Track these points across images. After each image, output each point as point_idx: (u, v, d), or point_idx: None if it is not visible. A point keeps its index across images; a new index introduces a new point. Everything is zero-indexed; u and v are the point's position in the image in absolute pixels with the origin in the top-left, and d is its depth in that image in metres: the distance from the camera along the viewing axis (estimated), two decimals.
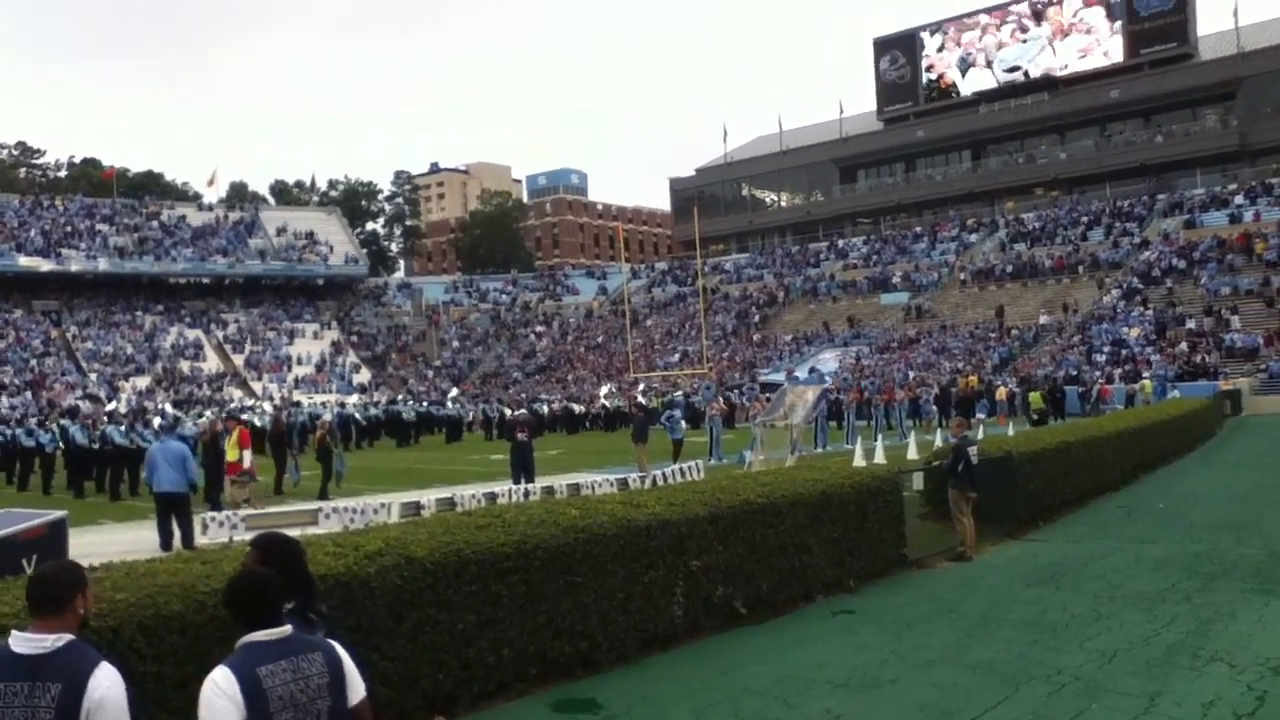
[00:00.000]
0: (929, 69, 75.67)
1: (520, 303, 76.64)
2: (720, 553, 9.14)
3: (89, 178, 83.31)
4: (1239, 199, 54.76)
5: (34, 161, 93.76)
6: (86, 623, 3.37)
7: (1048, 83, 70.87)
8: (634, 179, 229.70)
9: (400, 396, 46.32)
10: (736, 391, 45.64)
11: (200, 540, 12.96)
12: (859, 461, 20.20)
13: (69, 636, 3.15)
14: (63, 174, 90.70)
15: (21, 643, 3.10)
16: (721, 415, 29.62)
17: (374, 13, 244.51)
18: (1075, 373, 40.44)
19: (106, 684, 3.09)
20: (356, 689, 3.38)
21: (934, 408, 35.98)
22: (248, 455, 17.16)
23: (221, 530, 13.38)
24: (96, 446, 22.54)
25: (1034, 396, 33.62)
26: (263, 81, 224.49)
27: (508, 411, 35.70)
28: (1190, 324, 43.41)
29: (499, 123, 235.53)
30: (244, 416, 26.09)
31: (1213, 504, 16.03)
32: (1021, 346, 47.57)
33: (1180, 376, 37.86)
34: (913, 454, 22.32)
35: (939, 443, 22.38)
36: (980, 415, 30.73)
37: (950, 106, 75.04)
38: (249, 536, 11.35)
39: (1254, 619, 8.92)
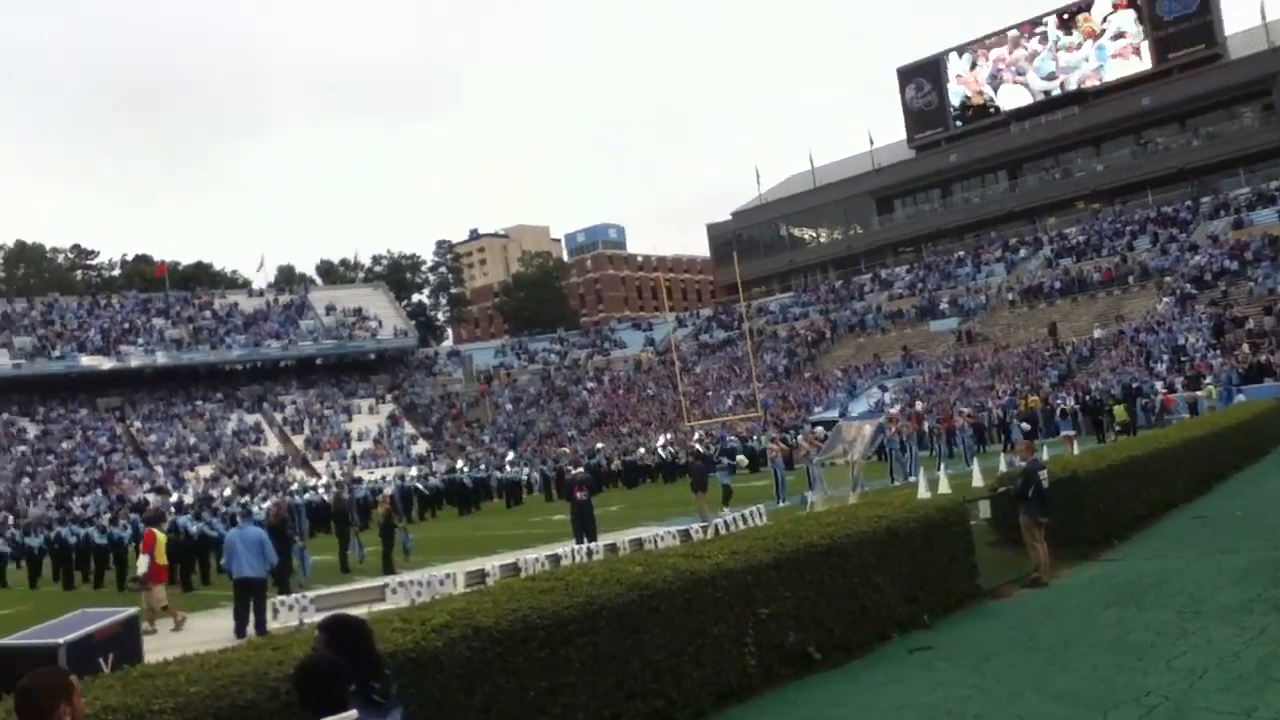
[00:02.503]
0: (963, 84, 75.46)
1: (569, 360, 76.98)
2: (788, 598, 9.03)
3: (142, 274, 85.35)
4: None
5: (89, 263, 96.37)
6: None
7: (1078, 96, 70.44)
8: (671, 227, 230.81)
9: (460, 464, 46.55)
10: (792, 432, 45.28)
11: (272, 625, 13.06)
12: (923, 493, 19.93)
13: None
14: (116, 273, 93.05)
15: None
16: (783, 456, 29.44)
17: (399, 98, 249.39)
18: (1136, 385, 39.66)
19: None
20: None
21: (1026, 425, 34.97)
22: (143, 560, 16.38)
23: (291, 614, 13.48)
24: (170, 537, 22.80)
25: (1118, 410, 33.12)
26: (300, 169, 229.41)
27: (569, 469, 35.62)
28: (1250, 324, 42.50)
29: (535, 184, 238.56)
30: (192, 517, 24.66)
31: None
32: (1078, 362, 46.81)
33: (1245, 379, 37.02)
34: (978, 481, 21.97)
35: (1003, 467, 22.03)
36: (1068, 431, 30.13)
37: (982, 129, 74.78)
38: (319, 618, 11.43)
39: None
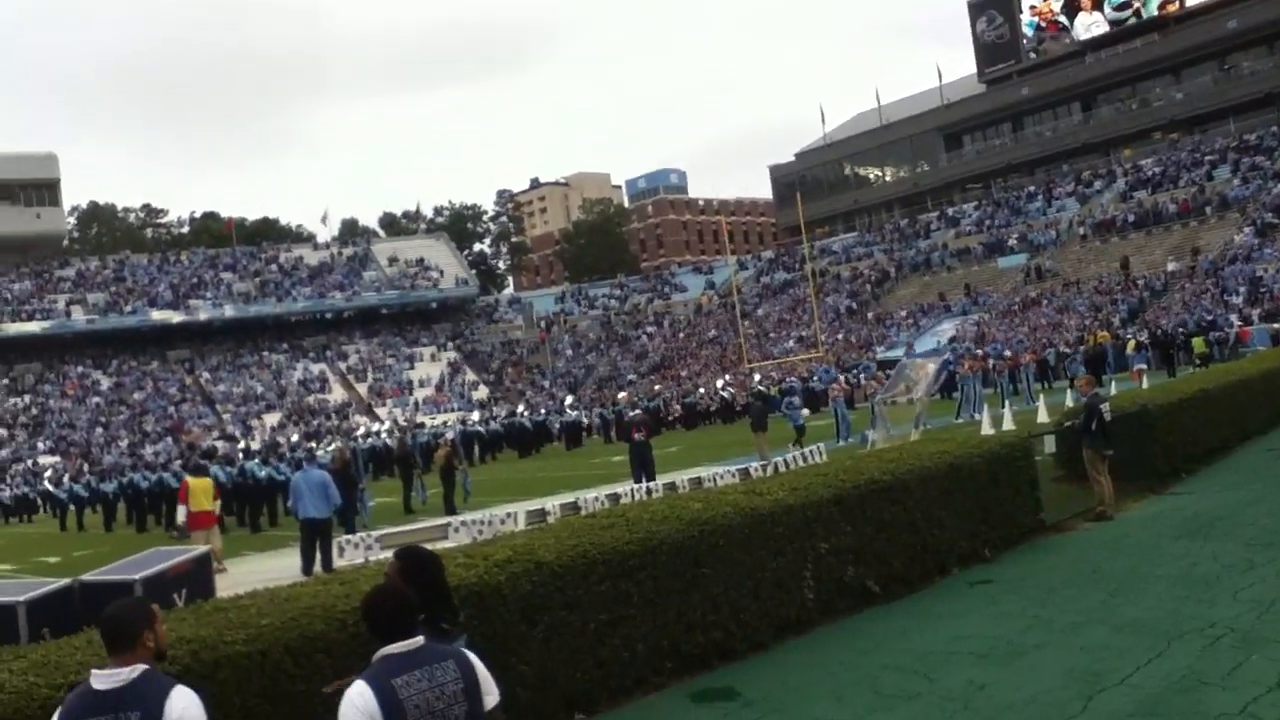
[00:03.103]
0: (1036, 15, 73.03)
1: (630, 305, 77.01)
2: (848, 533, 9.02)
3: (210, 231, 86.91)
4: None
5: (159, 221, 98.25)
6: (163, 654, 3.53)
7: (1158, 23, 67.75)
8: (733, 170, 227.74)
9: (520, 409, 47.04)
10: (854, 371, 44.98)
11: (338, 563, 13.36)
12: (987, 430, 19.69)
13: (143, 667, 3.31)
14: (185, 230, 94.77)
15: (101, 679, 3.28)
16: (845, 396, 29.31)
17: (459, 59, 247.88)
18: (1210, 318, 38.63)
19: (182, 705, 3.26)
20: (491, 693, 3.45)
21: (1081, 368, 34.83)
22: (181, 510, 16.68)
23: (357, 551, 13.77)
24: (239, 481, 23.43)
25: (1197, 342, 32.61)
26: (363, 126, 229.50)
27: (627, 412, 35.84)
28: None
29: (596, 130, 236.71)
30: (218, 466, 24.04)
31: None
32: (1150, 296, 45.68)
33: None
34: (1043, 418, 21.67)
35: (1069, 403, 21.68)
36: (1141, 365, 29.64)
37: (1055, 60, 72.39)
38: (383, 556, 11.66)
39: None
